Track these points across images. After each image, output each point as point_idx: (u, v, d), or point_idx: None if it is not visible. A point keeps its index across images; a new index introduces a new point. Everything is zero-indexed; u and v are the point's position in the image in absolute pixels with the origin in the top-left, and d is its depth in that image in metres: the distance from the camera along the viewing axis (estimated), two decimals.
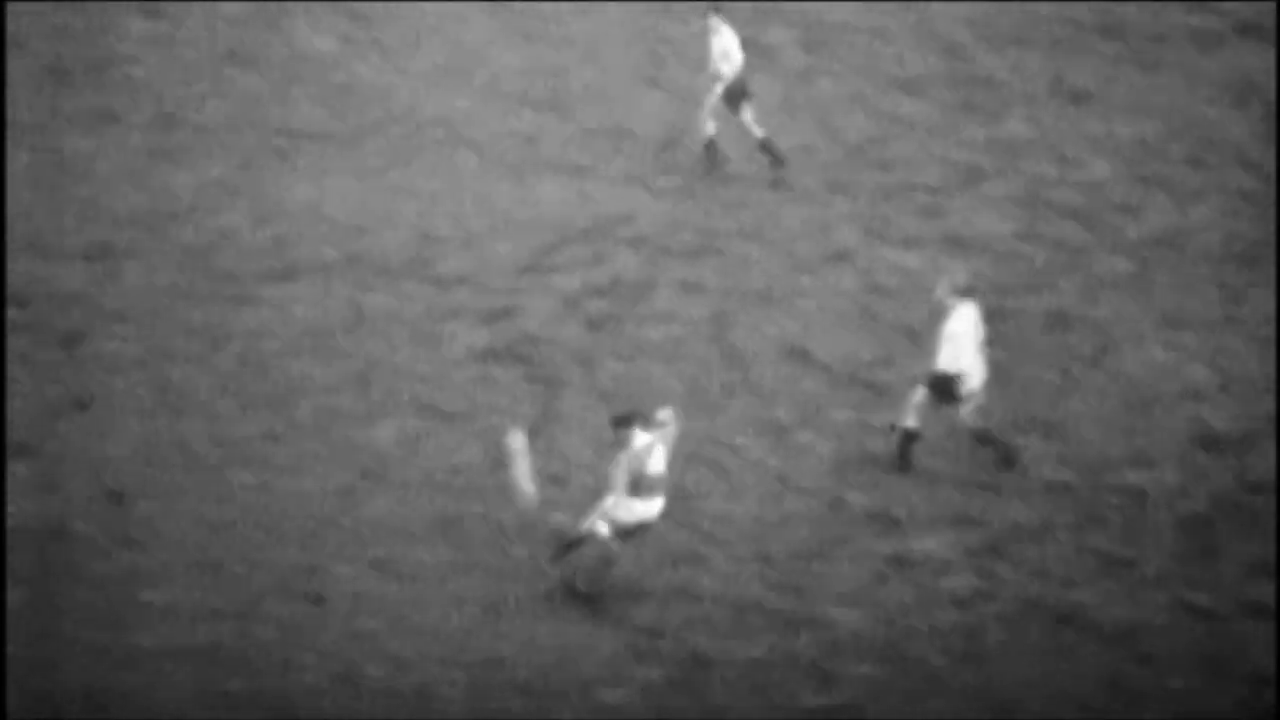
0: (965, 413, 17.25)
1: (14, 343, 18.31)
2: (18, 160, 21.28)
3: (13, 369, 17.92)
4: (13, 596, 15.17)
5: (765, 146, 21.74)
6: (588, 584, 15.36)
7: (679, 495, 16.63)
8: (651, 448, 15.25)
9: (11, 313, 18.79)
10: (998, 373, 18.88)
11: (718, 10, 21.64)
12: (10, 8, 24.20)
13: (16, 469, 16.58)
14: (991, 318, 19.89)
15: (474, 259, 20.14)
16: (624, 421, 15.27)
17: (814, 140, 22.92)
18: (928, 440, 17.70)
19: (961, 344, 17.10)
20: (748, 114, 21.66)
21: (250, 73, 23.39)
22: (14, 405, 17.41)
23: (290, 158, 21.76)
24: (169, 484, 16.71)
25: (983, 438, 17.39)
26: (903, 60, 25.00)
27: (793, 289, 19.77)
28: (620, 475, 15.13)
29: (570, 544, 15.42)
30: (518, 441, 15.30)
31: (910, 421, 17.21)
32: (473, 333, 18.94)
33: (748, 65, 21.82)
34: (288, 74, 23.44)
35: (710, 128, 21.72)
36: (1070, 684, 15.25)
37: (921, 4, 26.43)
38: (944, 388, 17.13)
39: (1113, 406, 18.63)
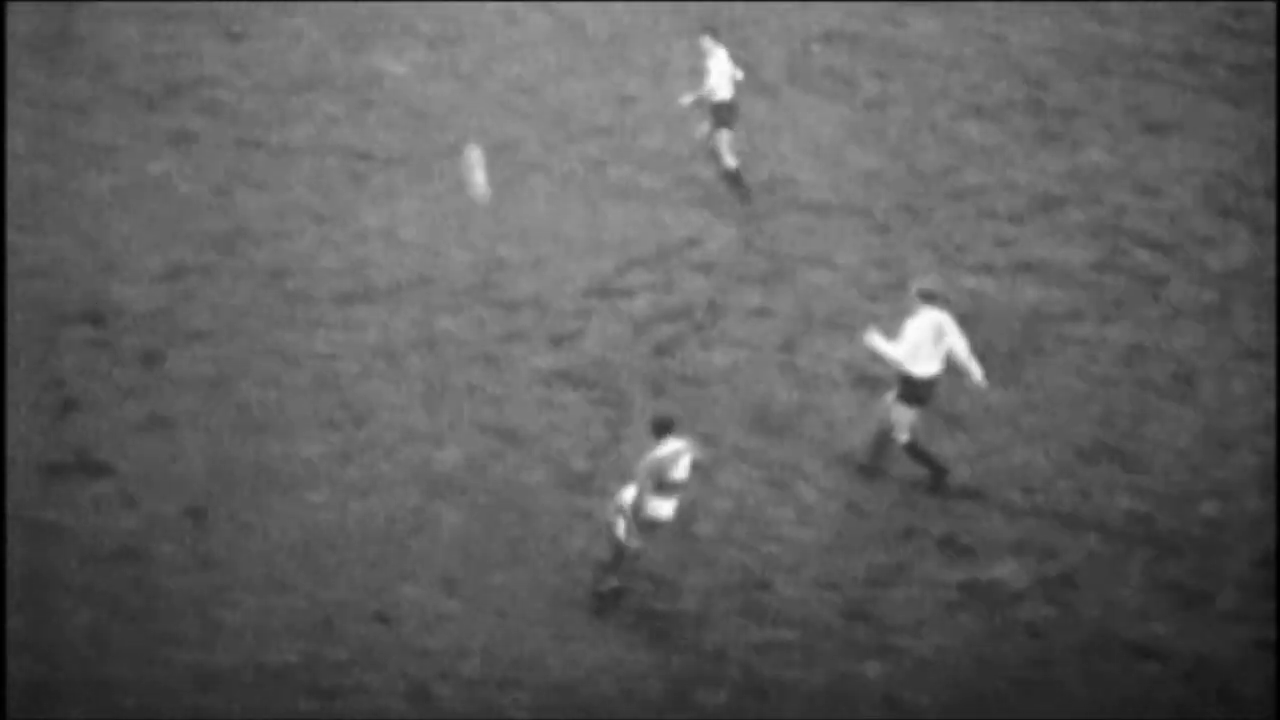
0: (893, 422, 16.98)
1: (93, 361, 18.56)
2: (101, 182, 21.61)
3: (92, 387, 18.15)
4: (89, 615, 15.35)
5: (733, 178, 21.66)
6: (613, 577, 15.44)
7: (747, 518, 16.66)
8: (680, 455, 15.48)
9: (90, 331, 19.06)
10: (1074, 400, 18.81)
11: (712, 33, 21.70)
12: (99, 32, 24.66)
13: (96, 487, 16.80)
14: (1066, 346, 19.85)
15: (542, 282, 20.25)
16: (663, 425, 15.44)
17: (886, 167, 22.91)
18: (1003, 468, 17.62)
19: (918, 348, 17.00)
20: (725, 140, 21.55)
21: (327, 96, 23.67)
22: (93, 424, 17.64)
23: (364, 180, 21.99)
24: (244, 502, 16.88)
25: (912, 451, 17.14)
26: (979, 88, 24.96)
27: (864, 315, 19.76)
28: (647, 473, 15.38)
29: (614, 558, 15.58)
30: (475, 154, 16.34)
31: (896, 431, 17.08)
32: (540, 355, 19.04)
33: (740, 89, 21.79)
34: (363, 98, 23.69)
35: (730, 161, 21.61)
36: (1143, 718, 15.12)
37: (999, 31, 26.41)
38: (911, 391, 17.08)
39: (1190, 438, 18.48)
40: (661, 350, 19.31)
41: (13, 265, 19.81)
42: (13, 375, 18.00)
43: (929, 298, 17.26)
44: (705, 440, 16.78)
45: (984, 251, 21.35)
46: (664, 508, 15.58)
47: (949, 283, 20.43)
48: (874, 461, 17.39)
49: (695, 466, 15.98)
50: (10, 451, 16.91)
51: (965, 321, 19.89)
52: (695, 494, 16.63)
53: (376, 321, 19.48)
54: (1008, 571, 16.63)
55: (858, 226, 21.74)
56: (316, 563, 16.25)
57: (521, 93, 24.01)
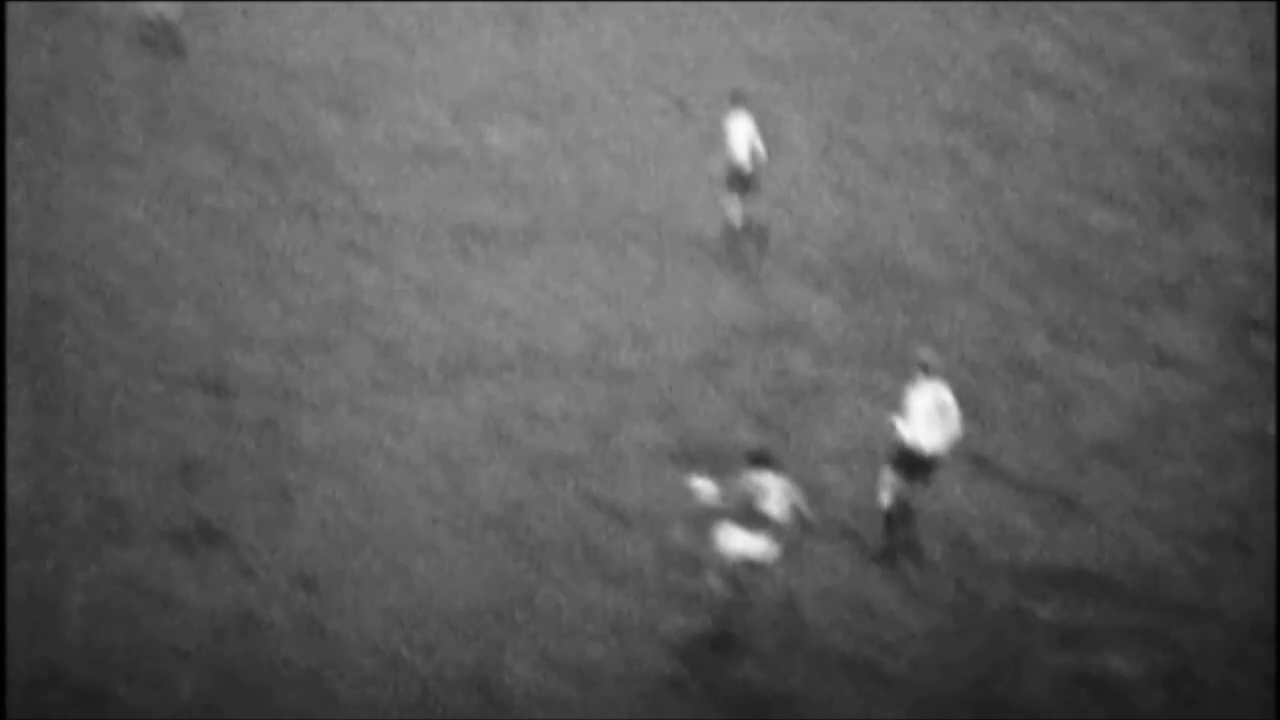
0: (882, 488, 16.88)
1: (212, 429, 18.86)
2: (224, 253, 22.06)
3: (211, 455, 18.44)
4: (203, 685, 15.52)
5: (748, 236, 21.93)
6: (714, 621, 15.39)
7: (856, 605, 16.58)
8: (771, 489, 15.47)
9: (210, 399, 19.40)
10: (1194, 487, 18.60)
11: (738, 102, 21.87)
12: (216, 99, 25.21)
13: (213, 556, 17.04)
14: (1185, 432, 19.65)
15: (647, 355, 20.36)
16: (758, 458, 15.52)
17: (1000, 248, 22.87)
18: (1120, 553, 17.44)
19: (914, 421, 16.84)
20: (736, 206, 21.81)
21: (439, 169, 24.07)
22: (212, 491, 17.91)
23: (473, 252, 22.30)
24: (355, 572, 17.05)
25: (890, 518, 16.96)
26: (1098, 170, 24.89)
27: (976, 396, 19.67)
28: (735, 501, 15.43)
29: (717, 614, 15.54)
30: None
31: (885, 500, 16.97)
32: (644, 428, 19.11)
33: (761, 160, 21.93)
34: (473, 171, 24.06)
35: (736, 216, 21.88)
36: None
37: (1120, 114, 26.36)
38: (907, 463, 16.90)
39: None
40: (766, 426, 19.33)
41: (134, 333, 20.25)
42: (133, 442, 18.32)
43: (927, 370, 17.12)
44: (807, 522, 16.71)
45: (1101, 335, 21.23)
46: (754, 545, 15.45)
47: (1066, 366, 20.33)
48: (886, 546, 17.22)
49: (798, 519, 15.85)
50: (130, 519, 17.20)
51: (1081, 407, 19.79)
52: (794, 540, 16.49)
53: (483, 393, 19.67)
54: (1123, 661, 16.42)
55: (969, 306, 21.69)
56: (424, 634, 16.36)
57: (630, 167, 24.24)
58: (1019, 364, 20.54)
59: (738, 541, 15.51)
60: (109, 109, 25.60)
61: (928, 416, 16.85)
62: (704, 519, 17.59)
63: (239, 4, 29.19)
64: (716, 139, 25.16)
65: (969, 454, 18.89)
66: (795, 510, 15.84)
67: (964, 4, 29.56)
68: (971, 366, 20.53)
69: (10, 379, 19.38)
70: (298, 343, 20.46)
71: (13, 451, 18.02)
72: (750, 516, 15.46)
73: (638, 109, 25.82)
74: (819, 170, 24.48)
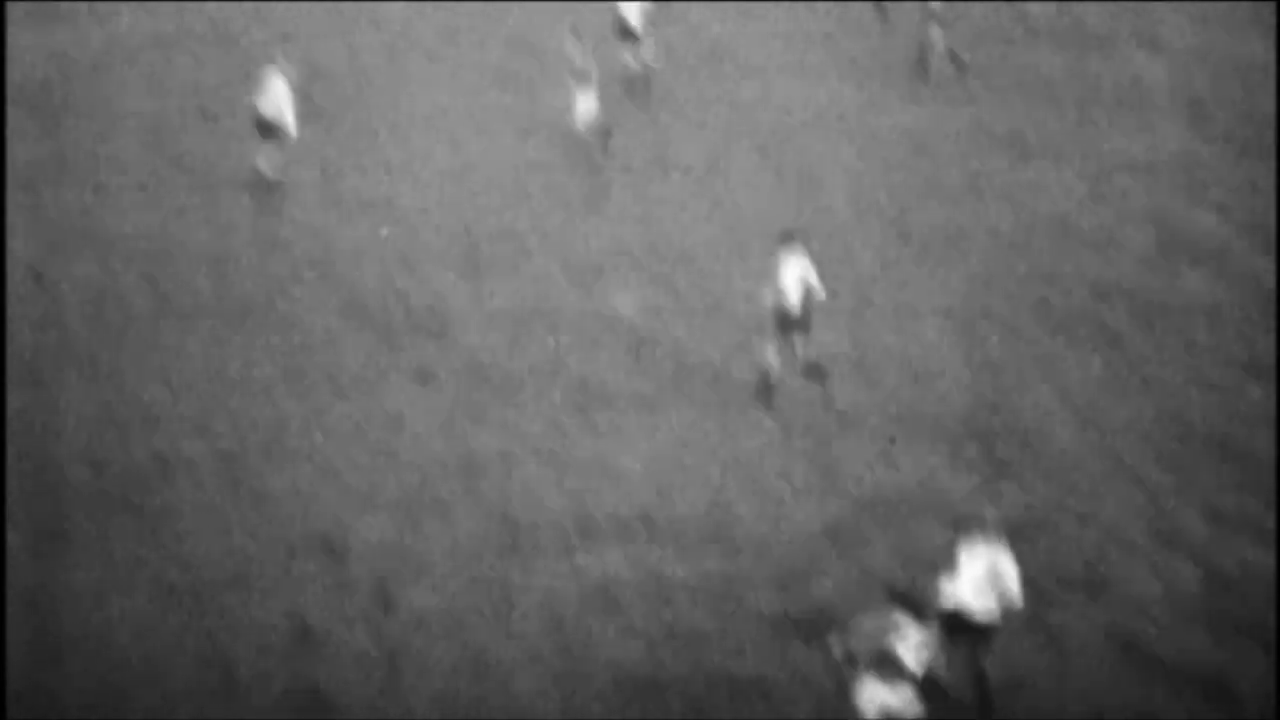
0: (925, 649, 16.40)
1: (324, 595, 19.13)
2: (342, 415, 22.58)
3: (322, 619, 18.71)
4: None
5: (811, 371, 22.61)
6: None
7: None
8: (907, 631, 15.38)
9: (325, 560, 19.71)
10: None
11: (791, 240, 22.36)
12: (337, 261, 25.78)
13: None
14: None
15: (771, 523, 20.33)
16: (902, 599, 15.49)
17: (1151, 422, 22.63)
18: None
19: (963, 584, 16.41)
20: (798, 345, 22.45)
21: (558, 330, 24.44)
22: (320, 655, 18.08)
23: (591, 415, 22.61)
24: None
25: (937, 683, 16.50)
26: (1253, 343, 24.61)
27: (1125, 574, 19.35)
28: (870, 641, 15.38)
29: None
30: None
31: (937, 663, 16.47)
32: (767, 599, 19.03)
33: (815, 299, 22.21)
34: (592, 333, 24.43)
35: (774, 360, 22.45)
36: None
37: (1273, 285, 26.10)
38: (955, 627, 16.46)
39: None
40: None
41: (251, 493, 20.74)
42: (248, 603, 18.87)
43: (984, 530, 16.88)
44: (939, 685, 16.44)
45: (1260, 516, 20.84)
46: (892, 698, 15.18)
47: (1222, 547, 19.95)
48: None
49: (931, 678, 15.59)
50: (246, 681, 17.51)
51: (1234, 589, 19.35)
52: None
53: (600, 561, 19.73)
54: None
55: (1115, 481, 21.42)
56: None
57: (756, 331, 24.35)
58: (1169, 541, 20.21)
59: (878, 696, 15.04)
60: (231, 267, 26.26)
61: (978, 581, 16.56)
62: (829, 697, 17.37)
63: (360, 162, 29.88)
64: (851, 304, 25.24)
65: (1118, 639, 18.52)
66: (929, 668, 15.48)
67: (1116, 174, 29.58)
68: (1118, 543, 20.22)
69: (126, 535, 19.82)
70: (413, 505, 20.75)
71: (124, 605, 18.37)
72: (886, 663, 15.02)
73: (766, 273, 25.98)
74: (958, 340, 24.48)
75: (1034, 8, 36.70)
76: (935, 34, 33.66)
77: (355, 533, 20.17)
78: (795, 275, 22.25)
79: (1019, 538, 20.31)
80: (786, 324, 22.37)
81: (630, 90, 33.02)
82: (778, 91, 32.89)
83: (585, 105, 29.52)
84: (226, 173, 29.35)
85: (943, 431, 22.33)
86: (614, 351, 24.21)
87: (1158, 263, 26.72)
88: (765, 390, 22.62)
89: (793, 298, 22.23)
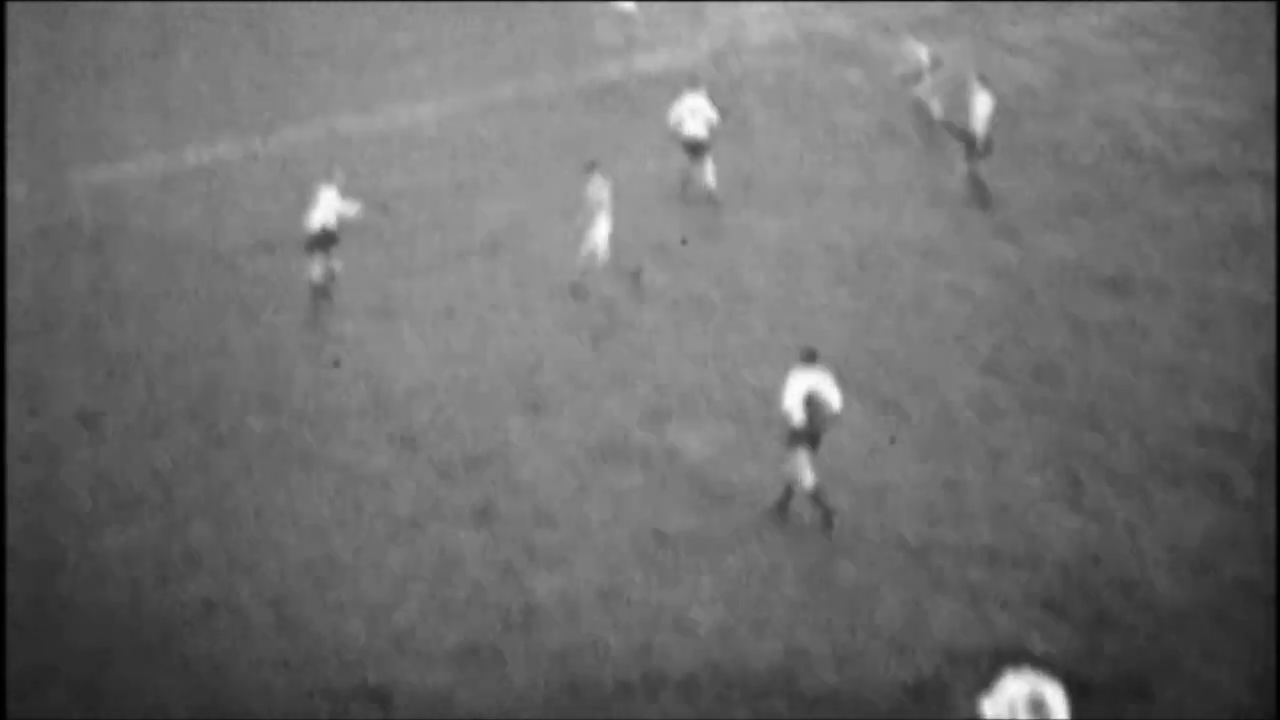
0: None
1: None
2: (396, 556, 23.05)
3: None
4: None
5: (815, 498, 23.24)
6: None
7: None
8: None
9: (372, 711, 19.79)
10: None
11: (811, 360, 23.20)
12: (393, 397, 26.13)
13: None
14: None
15: (849, 677, 20.29)
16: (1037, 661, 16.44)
17: (1262, 576, 22.48)
18: None
19: (999, 708, 17.03)
20: (808, 471, 23.23)
21: (625, 471, 24.71)
22: None
23: (658, 559, 22.81)
24: None
25: None
26: None
27: None
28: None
29: None
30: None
31: None
32: None
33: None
34: (660, 473, 24.86)
35: (809, 479, 23.20)
36: None
37: None
38: None
39: None
40: None
41: (300, 638, 20.99)
42: None
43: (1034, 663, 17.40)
44: None
45: None
46: None
47: None
48: None
49: None
50: None
51: None
52: None
53: (667, 712, 19.70)
54: None
55: (1223, 637, 21.28)
56: None
57: (833, 474, 24.45)
58: None
59: None
60: (283, 402, 26.65)
61: (1015, 707, 16.55)
62: None
63: (417, 290, 30.30)
64: (936, 448, 25.29)
65: None
66: None
67: (1224, 315, 29.57)
68: (1225, 702, 20.04)
69: (169, 676, 19.95)
70: (469, 654, 20.92)
71: None
72: None
73: (850, 417, 26.09)
74: (1055, 485, 24.48)
75: (1144, 141, 36.97)
76: (971, 162, 34.06)
77: (406, 684, 20.30)
78: (803, 390, 22.99)
79: (1119, 697, 20.16)
80: (796, 439, 23.09)
81: (691, 203, 33.60)
82: (856, 218, 33.15)
83: (597, 238, 29.75)
84: (282, 304, 29.83)
85: (1039, 580, 22.27)
86: (682, 492, 24.41)
87: (1269, 409, 26.64)
88: (784, 507, 23.50)
89: (798, 414, 22.97)
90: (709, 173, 34.30)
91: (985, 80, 34.74)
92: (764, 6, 46.57)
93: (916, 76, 37.54)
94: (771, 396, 26.56)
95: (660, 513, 24.02)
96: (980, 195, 34.28)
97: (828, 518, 23.34)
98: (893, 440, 25.54)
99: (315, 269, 29.74)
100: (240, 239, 32.35)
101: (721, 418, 26.35)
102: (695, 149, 34.26)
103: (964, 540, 23.38)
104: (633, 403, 26.76)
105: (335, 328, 29.12)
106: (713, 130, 34.01)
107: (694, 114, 33.92)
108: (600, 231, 29.97)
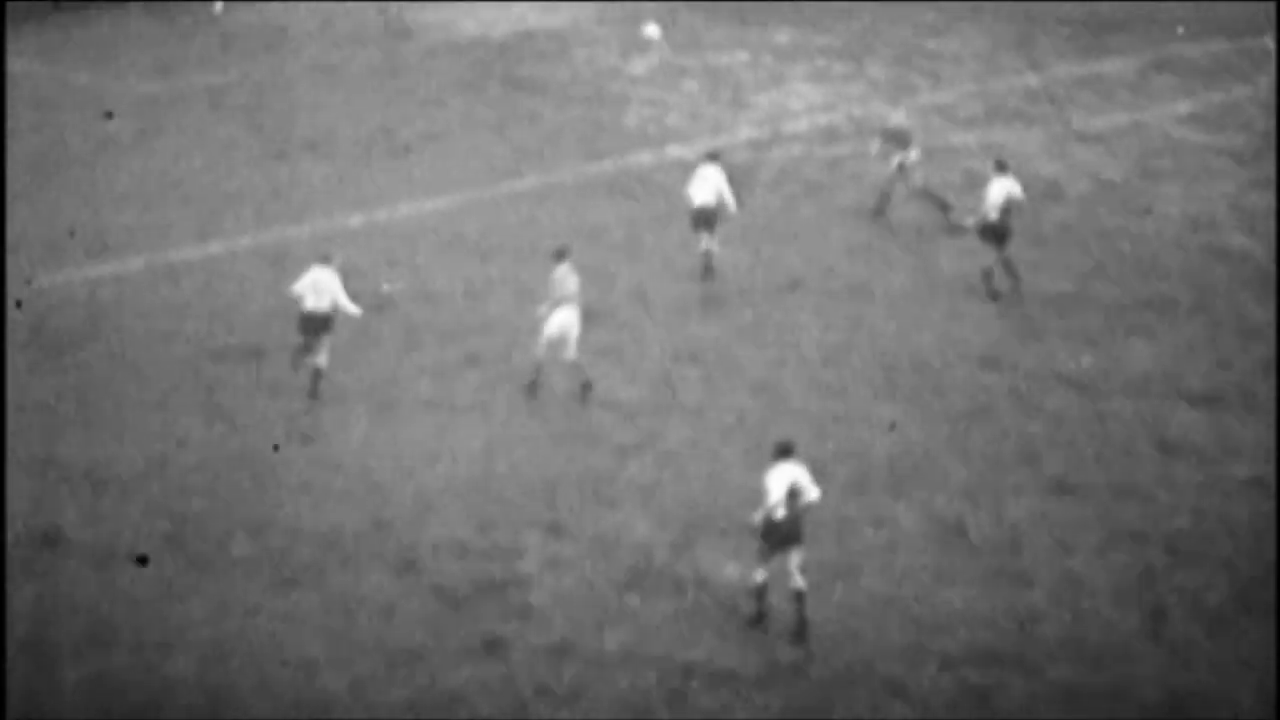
0: None
1: None
2: (399, 695, 23.07)
3: None
4: None
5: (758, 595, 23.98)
6: None
7: None
8: None
9: None
10: None
11: (788, 454, 24.07)
12: (397, 520, 26.11)
13: None
14: None
15: None
16: None
17: None
18: None
19: None
20: (793, 559, 23.96)
21: (652, 601, 24.70)
22: None
23: (690, 701, 23.17)
24: None
25: None
26: None
27: None
28: None
29: None
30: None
31: None
32: None
33: None
34: (693, 602, 24.81)
35: (759, 575, 23.95)
36: None
37: None
38: None
39: None
40: None
41: None
42: None
43: None
44: None
45: None
46: None
47: None
48: None
49: None
50: None
51: None
52: None
53: None
54: None
55: None
56: None
57: (887, 606, 24.21)
58: None
59: None
60: (272, 521, 26.64)
61: None
62: None
63: (420, 395, 30.31)
64: (996, 570, 25.12)
65: None
66: None
67: None
68: None
69: None
70: None
71: None
72: None
73: (901, 537, 25.94)
74: (1135, 618, 24.29)
75: (1234, 240, 36.98)
76: (994, 256, 34.23)
77: None
78: (787, 484, 23.74)
79: None
80: (771, 535, 23.74)
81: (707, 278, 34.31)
82: (908, 320, 33.09)
83: (557, 332, 30.13)
84: (268, 413, 29.80)
85: None
86: (715, 624, 24.27)
87: None
88: (758, 616, 24.02)
89: (779, 511, 23.66)
90: (714, 242, 35.24)
91: (1004, 166, 34.96)
92: (815, 93, 46.84)
93: (897, 148, 38.00)
94: (821, 522, 26.50)
95: (689, 645, 23.82)
96: (990, 288, 34.38)
97: (760, 618, 23.99)
98: (951, 567, 25.40)
99: (305, 355, 30.21)
100: (224, 341, 32.41)
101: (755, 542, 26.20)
102: (704, 220, 35.21)
103: (1034, 675, 23.14)
104: (660, 523, 26.64)
105: (330, 437, 29.08)
106: (723, 203, 35.01)
107: (705, 182, 35.11)
108: (563, 325, 30.36)
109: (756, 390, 30.68)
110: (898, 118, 38.62)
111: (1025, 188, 35.17)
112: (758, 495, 23.94)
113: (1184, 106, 45.65)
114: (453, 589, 25.19)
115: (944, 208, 38.10)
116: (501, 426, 29.67)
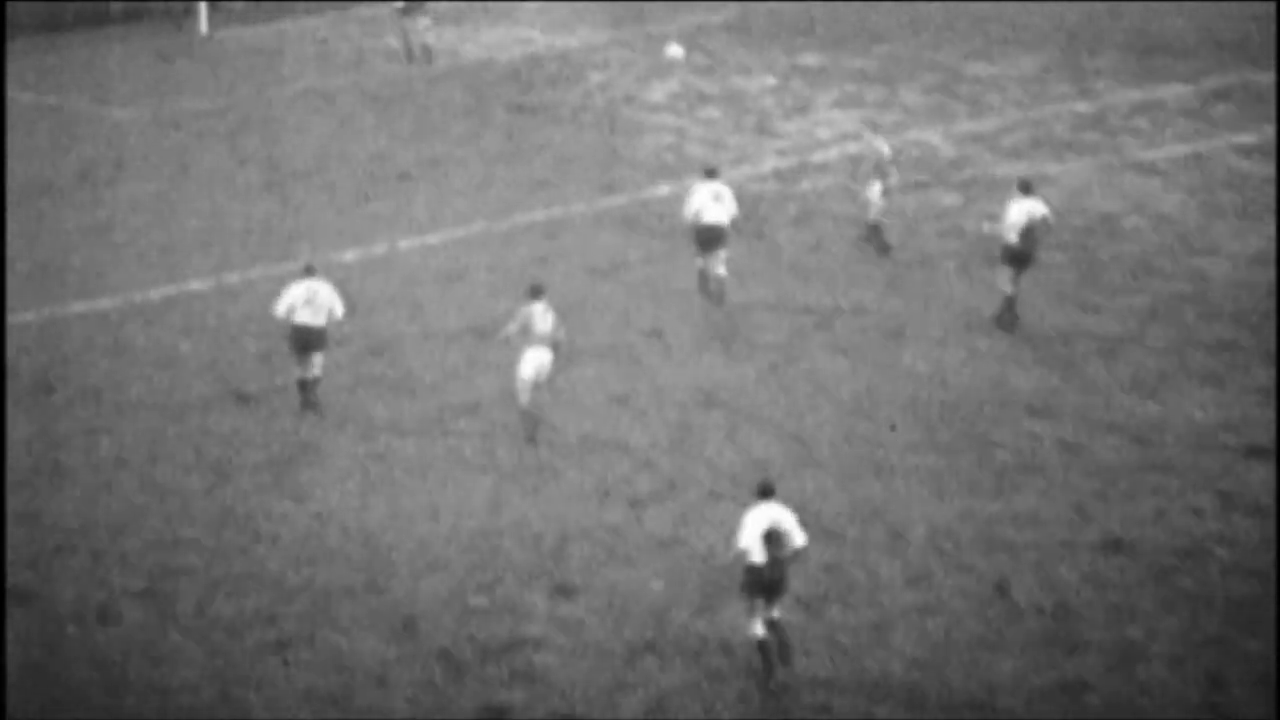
0: None
1: None
2: None
3: None
4: None
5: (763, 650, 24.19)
6: None
7: None
8: None
9: None
10: None
11: (768, 495, 24.31)
12: (396, 582, 26.11)
13: None
14: None
15: None
16: None
17: None
18: None
19: None
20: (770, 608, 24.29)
21: (669, 666, 24.74)
22: None
23: None
24: None
25: None
26: None
27: None
28: None
29: None
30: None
31: None
32: None
33: None
34: (712, 665, 24.81)
35: (759, 629, 24.07)
36: None
37: None
38: None
39: None
40: None
41: None
42: None
43: None
44: None
45: None
46: None
47: None
48: None
49: None
50: None
51: None
52: None
53: None
54: None
55: None
56: None
57: (924, 669, 24.18)
58: None
59: None
60: (261, 581, 26.66)
61: None
62: None
63: (421, 452, 30.38)
64: (1045, 642, 25.03)
65: None
66: None
67: None
68: None
69: None
70: None
71: None
72: None
73: (940, 598, 25.86)
74: (1193, 687, 24.20)
75: None
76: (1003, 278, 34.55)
77: None
78: (762, 527, 24.11)
79: None
80: (755, 584, 24.09)
81: (711, 299, 35.02)
82: (946, 364, 33.12)
83: (530, 374, 30.68)
84: (255, 463, 29.85)
85: None
86: (739, 690, 24.27)
87: None
88: (767, 670, 24.15)
89: (758, 553, 24.07)
90: (722, 264, 35.65)
91: (1029, 187, 35.07)
92: (846, 121, 46.95)
93: (874, 173, 38.27)
94: (841, 566, 26.47)
95: (710, 714, 23.76)
96: (1004, 320, 34.44)
97: (770, 672, 24.14)
98: (995, 632, 25.35)
99: (298, 371, 30.63)
100: (207, 387, 32.51)
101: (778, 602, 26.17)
102: (712, 239, 35.62)
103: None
104: (679, 581, 26.59)
105: (321, 488, 29.10)
106: (734, 222, 35.69)
107: (718, 199, 35.63)
108: (538, 367, 30.66)
109: (781, 437, 30.70)
110: (877, 142, 38.87)
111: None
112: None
113: (1247, 137, 45.69)
114: (454, 653, 25.13)
115: (883, 249, 38.52)
116: (507, 478, 29.71)
